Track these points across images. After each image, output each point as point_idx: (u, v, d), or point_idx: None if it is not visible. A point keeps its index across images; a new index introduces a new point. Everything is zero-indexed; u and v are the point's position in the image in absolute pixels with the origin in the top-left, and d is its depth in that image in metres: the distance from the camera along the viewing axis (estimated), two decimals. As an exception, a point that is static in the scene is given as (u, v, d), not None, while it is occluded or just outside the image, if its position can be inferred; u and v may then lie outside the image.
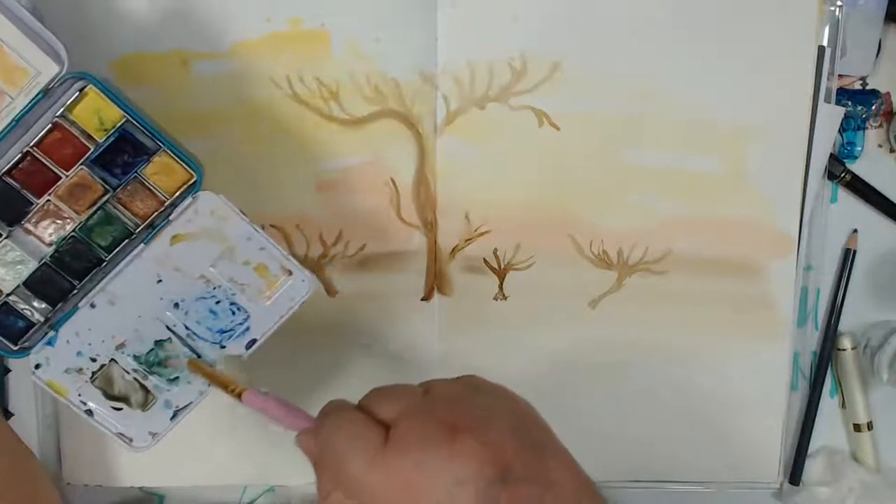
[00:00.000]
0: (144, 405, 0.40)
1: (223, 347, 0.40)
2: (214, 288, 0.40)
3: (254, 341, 0.40)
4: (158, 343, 0.40)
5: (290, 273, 0.40)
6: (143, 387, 0.40)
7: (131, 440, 0.40)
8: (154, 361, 0.40)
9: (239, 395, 0.39)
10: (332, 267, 0.47)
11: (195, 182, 0.39)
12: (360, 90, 0.45)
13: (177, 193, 0.39)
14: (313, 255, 0.47)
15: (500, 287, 0.48)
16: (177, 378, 0.40)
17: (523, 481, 0.29)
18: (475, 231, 0.47)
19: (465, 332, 0.48)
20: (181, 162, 0.39)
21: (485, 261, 0.47)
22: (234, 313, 0.40)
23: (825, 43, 0.46)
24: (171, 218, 0.39)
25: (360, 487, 0.30)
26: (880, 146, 0.50)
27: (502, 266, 0.48)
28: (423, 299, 0.48)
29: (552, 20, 0.45)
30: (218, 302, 0.40)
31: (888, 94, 0.50)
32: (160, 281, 0.39)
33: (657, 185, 0.47)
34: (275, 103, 0.45)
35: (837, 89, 0.48)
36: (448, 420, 0.30)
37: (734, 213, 0.47)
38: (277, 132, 0.46)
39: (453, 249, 0.47)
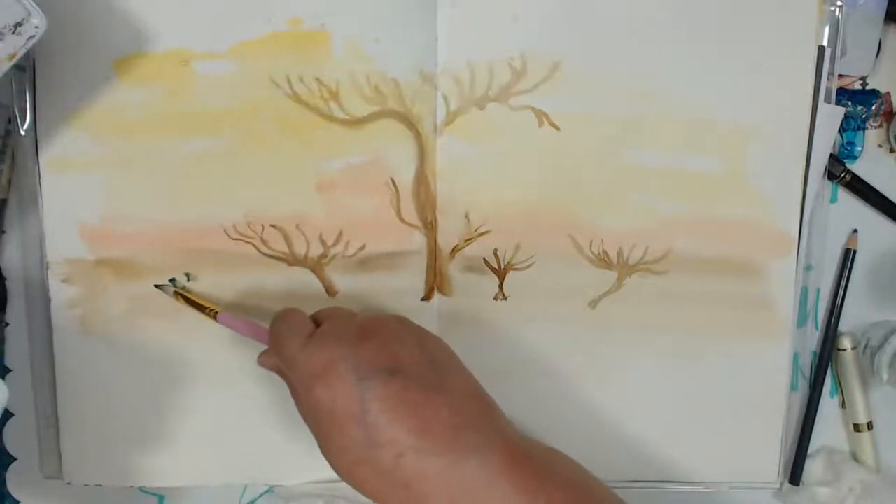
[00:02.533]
0: None
1: None
2: None
3: None
4: None
5: None
6: None
7: None
8: None
9: (214, 316, 0.44)
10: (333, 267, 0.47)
11: None
12: (360, 90, 0.45)
13: None
14: (313, 255, 0.47)
15: (500, 287, 0.48)
16: None
17: (413, 380, 0.36)
18: (475, 231, 0.47)
19: (465, 332, 0.48)
20: None
21: (485, 261, 0.47)
22: None
23: (825, 43, 0.46)
24: None
25: (293, 364, 0.38)
26: (880, 146, 0.50)
27: (502, 266, 0.48)
28: (423, 299, 0.48)
29: (552, 20, 0.45)
30: None
31: (888, 94, 0.50)
32: None
33: (657, 185, 0.47)
34: (275, 103, 0.45)
35: (837, 89, 0.48)
36: (363, 327, 0.39)
37: (734, 213, 0.47)
38: (277, 132, 0.46)
39: (453, 249, 0.47)
